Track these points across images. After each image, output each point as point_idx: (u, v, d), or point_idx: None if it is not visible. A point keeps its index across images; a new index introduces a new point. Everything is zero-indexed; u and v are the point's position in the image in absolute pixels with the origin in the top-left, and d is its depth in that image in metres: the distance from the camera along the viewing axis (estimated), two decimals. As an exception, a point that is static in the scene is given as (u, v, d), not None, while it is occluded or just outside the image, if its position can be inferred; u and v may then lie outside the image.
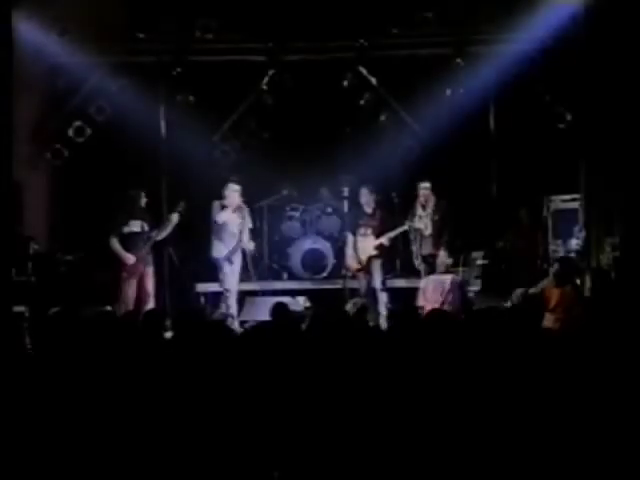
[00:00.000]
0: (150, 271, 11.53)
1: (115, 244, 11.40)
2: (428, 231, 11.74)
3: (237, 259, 11.73)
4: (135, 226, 11.48)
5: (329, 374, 5.11)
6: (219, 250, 11.66)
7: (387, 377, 5.05)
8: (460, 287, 11.19)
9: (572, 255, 11.71)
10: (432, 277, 11.29)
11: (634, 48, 10.64)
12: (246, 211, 11.80)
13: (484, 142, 13.52)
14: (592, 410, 4.72)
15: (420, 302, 10.93)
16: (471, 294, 11.98)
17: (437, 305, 10.58)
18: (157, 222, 11.62)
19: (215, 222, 11.66)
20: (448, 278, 11.15)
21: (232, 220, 11.65)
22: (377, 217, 12.09)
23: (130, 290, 11.38)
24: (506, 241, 12.66)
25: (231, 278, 11.66)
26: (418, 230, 11.77)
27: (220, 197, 11.81)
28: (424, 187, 11.79)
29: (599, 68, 11.24)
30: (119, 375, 5.21)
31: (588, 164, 11.58)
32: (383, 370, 5.13)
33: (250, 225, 11.88)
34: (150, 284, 11.48)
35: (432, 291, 11.02)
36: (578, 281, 10.64)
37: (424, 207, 11.79)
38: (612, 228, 11.09)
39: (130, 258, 11.36)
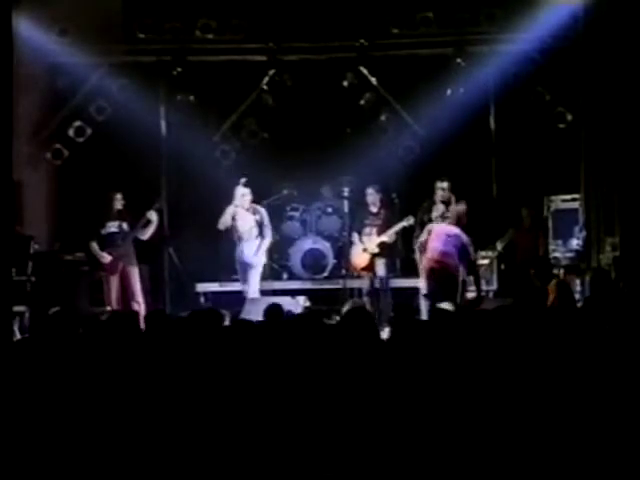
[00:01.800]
0: (134, 270, 11.55)
1: (93, 246, 11.49)
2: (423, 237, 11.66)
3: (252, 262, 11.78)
4: (113, 227, 11.56)
5: (327, 374, 5.11)
6: (236, 253, 11.73)
7: (386, 378, 5.05)
8: (462, 245, 10.92)
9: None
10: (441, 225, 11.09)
11: (634, 48, 10.64)
12: (262, 213, 11.82)
13: (484, 142, 13.50)
14: (592, 409, 4.72)
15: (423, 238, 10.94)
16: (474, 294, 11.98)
17: (438, 251, 10.56)
18: (138, 222, 11.62)
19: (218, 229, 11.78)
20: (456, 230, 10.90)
21: (243, 222, 11.70)
22: (382, 216, 12.18)
23: (113, 289, 11.42)
24: (507, 241, 12.64)
25: (244, 281, 11.79)
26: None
27: (220, 198, 11.86)
28: (441, 187, 11.68)
29: (599, 68, 11.26)
30: (109, 375, 5.21)
31: (588, 164, 11.58)
32: (382, 371, 5.13)
33: (268, 225, 11.91)
34: (136, 283, 11.50)
35: (436, 236, 10.85)
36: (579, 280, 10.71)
37: (447, 205, 11.76)
38: (612, 228, 11.09)
39: (105, 257, 11.43)
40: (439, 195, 11.65)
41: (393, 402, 4.82)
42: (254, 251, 11.75)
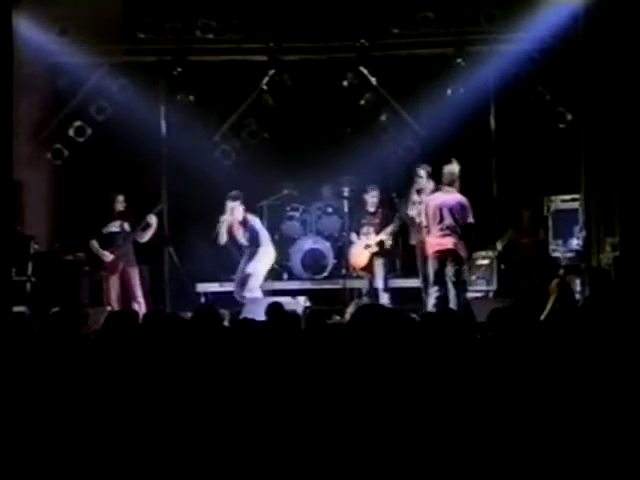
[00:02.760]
0: (134, 271, 11.58)
1: (94, 245, 11.51)
2: (419, 219, 11.57)
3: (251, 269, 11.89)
4: (114, 227, 11.61)
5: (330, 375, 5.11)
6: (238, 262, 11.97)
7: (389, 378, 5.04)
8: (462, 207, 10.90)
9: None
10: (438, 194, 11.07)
11: (634, 48, 10.65)
12: (255, 222, 11.90)
13: (484, 142, 13.50)
14: (593, 410, 4.72)
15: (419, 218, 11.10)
16: (474, 294, 12.00)
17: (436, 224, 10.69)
18: (139, 223, 11.66)
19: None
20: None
21: (239, 234, 11.83)
22: (379, 216, 12.18)
23: (113, 289, 11.45)
24: (506, 241, 12.63)
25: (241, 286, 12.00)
26: (411, 218, 11.70)
27: (220, 197, 11.89)
28: (417, 174, 11.67)
29: (599, 68, 11.25)
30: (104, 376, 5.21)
31: (588, 164, 11.58)
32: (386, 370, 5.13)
33: (264, 233, 11.99)
34: (136, 284, 11.54)
35: (434, 209, 10.86)
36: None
37: (419, 193, 11.69)
38: (612, 228, 11.09)
39: (107, 255, 11.47)
40: (415, 182, 11.64)
41: (405, 403, 4.81)
42: (251, 259, 11.87)
